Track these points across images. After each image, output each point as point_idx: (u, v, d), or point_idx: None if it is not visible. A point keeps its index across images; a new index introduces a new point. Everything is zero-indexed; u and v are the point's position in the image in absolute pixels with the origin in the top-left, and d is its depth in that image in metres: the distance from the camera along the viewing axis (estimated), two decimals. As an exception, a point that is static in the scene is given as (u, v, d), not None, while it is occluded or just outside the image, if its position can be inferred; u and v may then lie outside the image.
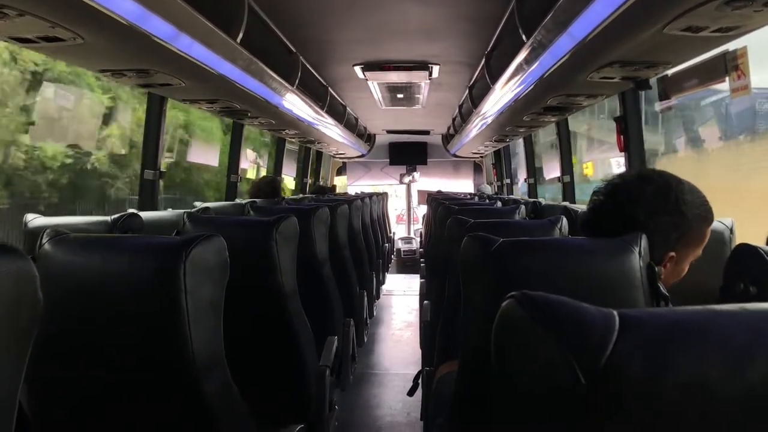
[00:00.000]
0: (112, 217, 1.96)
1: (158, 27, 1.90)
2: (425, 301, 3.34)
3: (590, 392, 0.48)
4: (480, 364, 1.29)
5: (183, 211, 2.36)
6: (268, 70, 3.00)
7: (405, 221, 10.68)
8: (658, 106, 2.72)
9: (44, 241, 1.32)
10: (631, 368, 0.47)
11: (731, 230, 1.94)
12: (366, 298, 3.86)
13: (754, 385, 0.48)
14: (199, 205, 2.98)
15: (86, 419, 1.32)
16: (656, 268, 1.23)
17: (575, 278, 1.19)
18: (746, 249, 1.30)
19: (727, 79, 2.14)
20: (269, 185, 4.07)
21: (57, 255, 1.30)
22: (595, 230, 1.36)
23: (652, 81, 2.61)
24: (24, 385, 1.31)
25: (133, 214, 2.06)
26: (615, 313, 0.51)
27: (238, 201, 3.75)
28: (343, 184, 10.16)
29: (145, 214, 2.20)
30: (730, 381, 0.48)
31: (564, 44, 2.20)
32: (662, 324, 0.50)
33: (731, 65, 2.10)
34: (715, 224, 1.96)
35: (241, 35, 2.45)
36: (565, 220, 2.01)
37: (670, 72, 2.46)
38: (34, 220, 1.86)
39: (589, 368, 0.48)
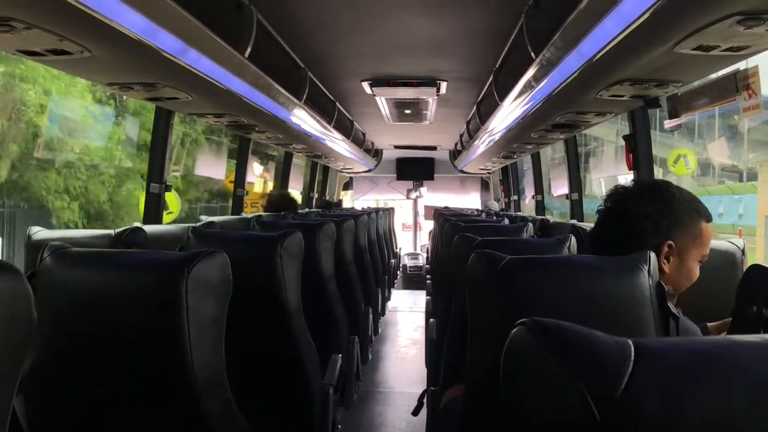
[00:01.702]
0: (116, 230, 1.94)
1: (166, 41, 1.89)
2: (431, 319, 3.30)
3: (604, 425, 0.45)
4: (488, 386, 1.26)
5: (188, 225, 2.34)
6: (276, 85, 3.00)
7: (411, 228, 10.64)
8: (667, 124, 2.71)
9: (45, 255, 1.30)
10: (648, 401, 0.45)
11: (743, 252, 1.91)
12: (371, 315, 3.83)
13: None
14: (205, 219, 2.97)
15: (84, 437, 1.30)
16: (666, 288, 1.21)
17: (583, 297, 1.17)
18: (758, 270, 1.27)
19: (737, 98, 2.12)
20: (284, 199, 4.12)
21: (58, 269, 1.28)
22: (601, 245, 1.42)
23: (662, 99, 2.60)
24: (23, 399, 1.29)
25: (136, 228, 2.05)
26: (630, 342, 0.49)
27: (244, 215, 3.74)
28: (350, 198, 10.15)
29: (149, 228, 2.19)
30: (752, 415, 0.45)
31: (573, 62, 2.18)
32: (679, 355, 0.48)
33: (742, 84, 2.08)
34: (727, 245, 1.93)
35: (249, 50, 2.45)
36: (573, 239, 1.99)
37: (680, 90, 2.44)
38: (37, 233, 1.85)
39: (604, 400, 0.46)
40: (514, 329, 0.56)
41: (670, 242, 1.34)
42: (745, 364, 0.48)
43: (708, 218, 1.40)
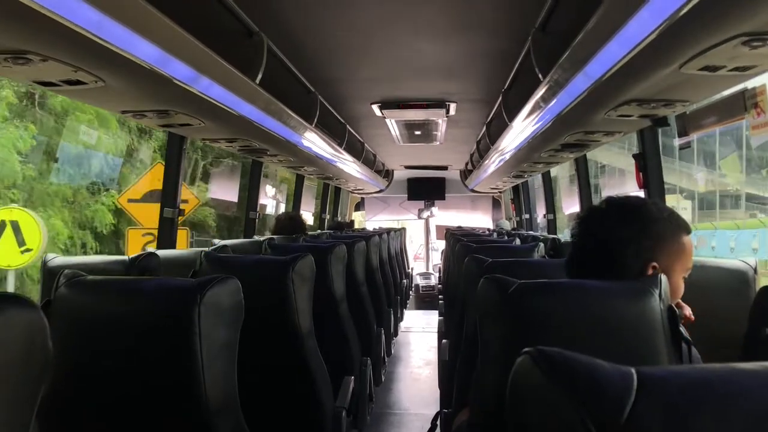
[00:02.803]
0: (130, 256, 1.97)
1: (178, 69, 1.93)
2: (443, 340, 3.29)
3: None
4: (496, 412, 1.26)
5: (200, 249, 2.37)
6: (287, 110, 3.04)
7: (423, 259, 10.62)
8: (677, 142, 2.71)
9: (61, 283, 1.32)
10: (651, 429, 0.45)
11: (755, 270, 1.90)
12: (384, 336, 3.82)
13: None
14: (217, 242, 2.99)
15: (98, 464, 1.31)
16: (677, 312, 1.21)
17: (594, 321, 1.17)
18: None
19: (746, 116, 2.12)
20: (292, 221, 4.12)
21: (73, 297, 1.30)
22: (577, 269, 1.39)
23: (671, 118, 2.60)
24: (37, 424, 1.31)
25: (150, 253, 2.07)
26: (633, 371, 0.49)
27: (256, 238, 3.76)
28: (360, 219, 10.17)
29: (162, 253, 2.21)
30: None
31: (580, 83, 2.20)
32: (682, 383, 0.48)
33: (750, 103, 2.08)
34: (738, 264, 1.92)
35: (260, 76, 2.49)
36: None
37: (688, 109, 2.44)
38: (53, 260, 1.88)
39: (607, 429, 0.46)
40: (519, 358, 0.57)
41: (654, 264, 1.30)
42: (747, 392, 0.48)
43: (688, 230, 1.37)
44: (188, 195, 5.82)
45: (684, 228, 1.36)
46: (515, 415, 0.56)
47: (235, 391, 1.35)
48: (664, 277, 1.19)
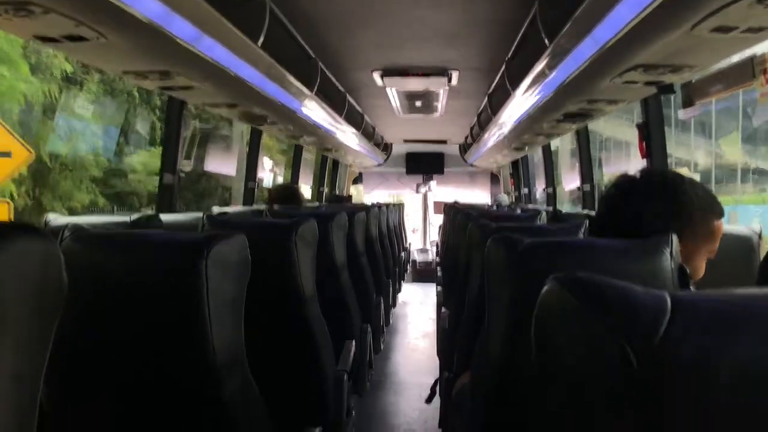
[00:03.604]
0: (132, 217, 1.95)
1: (181, 27, 1.90)
2: (443, 309, 3.31)
3: (643, 375, 0.45)
4: (508, 364, 1.27)
5: (202, 214, 2.35)
6: (288, 75, 3.01)
7: (420, 232, 10.62)
8: (681, 114, 2.69)
9: (65, 236, 1.31)
10: (685, 350, 0.45)
11: (759, 236, 1.90)
12: (383, 305, 3.84)
13: None
14: (217, 209, 2.98)
15: (105, 415, 1.31)
16: (687, 270, 1.21)
17: (604, 279, 1.17)
18: None
19: (755, 83, 2.10)
20: (287, 192, 3.99)
21: (78, 251, 1.29)
22: (601, 232, 1.35)
23: (676, 87, 2.58)
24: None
25: (152, 215, 2.06)
26: (666, 294, 0.48)
27: (256, 207, 3.75)
28: (359, 193, 10.14)
29: (164, 217, 2.20)
30: None
31: (587, 48, 2.17)
32: (716, 306, 0.48)
33: (759, 69, 2.06)
34: (743, 230, 1.92)
35: (261, 39, 2.45)
36: (587, 224, 1.99)
37: (694, 77, 2.42)
38: (55, 219, 1.86)
39: (642, 350, 0.46)
40: (547, 285, 0.56)
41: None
42: None
43: (721, 214, 1.33)
44: (12, 145, 3.69)
45: (717, 212, 1.32)
46: (542, 344, 0.55)
47: (242, 347, 1.35)
48: (674, 237, 1.18)
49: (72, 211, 10.51)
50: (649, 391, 0.45)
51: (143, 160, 11.92)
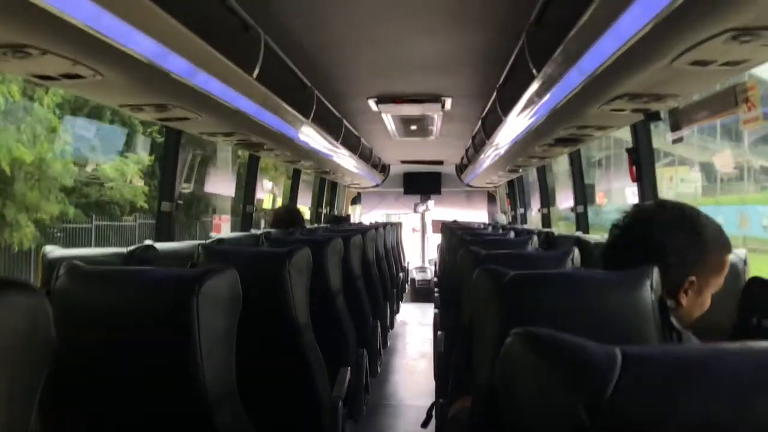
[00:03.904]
0: (128, 248, 1.99)
1: (176, 64, 1.95)
2: (439, 332, 3.32)
3: (593, 430, 0.48)
4: (490, 398, 1.29)
5: (198, 242, 2.38)
6: (284, 104, 3.05)
7: (419, 231, 10.62)
8: (670, 137, 2.73)
9: (61, 273, 1.34)
10: (635, 407, 0.47)
11: (745, 262, 1.93)
12: (380, 328, 3.85)
13: (764, 424, 0.47)
14: (214, 236, 3.01)
15: (99, 451, 1.33)
16: (668, 302, 1.23)
17: (586, 311, 1.19)
18: (759, 282, 1.29)
19: (737, 110, 2.15)
20: (290, 215, 4.14)
21: (73, 287, 1.32)
22: (616, 263, 1.35)
23: (664, 112, 2.62)
24: (37, 413, 1.33)
25: (148, 246, 2.09)
26: (617, 350, 0.51)
27: (253, 232, 3.78)
28: (358, 213, 10.19)
29: (160, 246, 2.23)
30: (736, 420, 0.47)
31: (574, 77, 2.22)
32: (666, 362, 0.50)
33: (741, 97, 2.11)
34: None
35: (257, 71, 2.50)
36: (577, 252, 2.02)
37: (681, 104, 2.47)
38: (52, 251, 1.89)
39: (592, 406, 0.48)
40: (508, 339, 0.59)
41: (693, 278, 1.28)
42: (729, 370, 0.50)
43: (729, 250, 1.34)
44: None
45: (727, 247, 1.34)
46: (506, 393, 0.58)
47: (233, 382, 1.37)
48: (655, 269, 1.20)
49: (38, 224, 10.16)
50: None
51: (118, 167, 11.22)
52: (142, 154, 11.35)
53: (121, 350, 1.29)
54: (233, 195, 5.01)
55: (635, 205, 1.42)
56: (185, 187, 3.38)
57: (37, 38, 1.55)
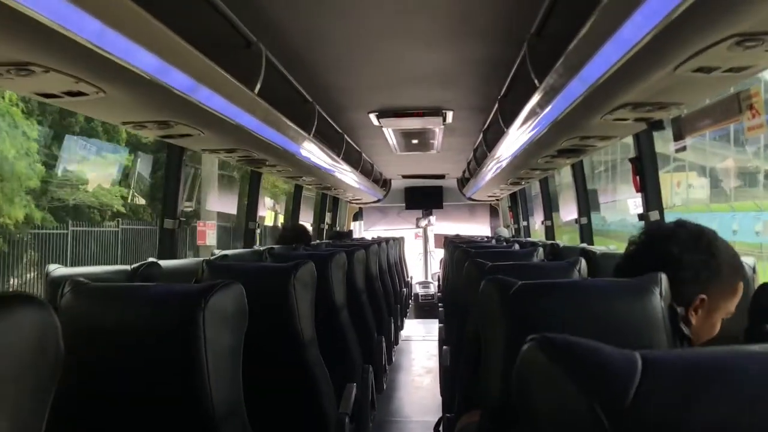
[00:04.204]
0: (132, 266, 1.98)
1: (178, 80, 1.95)
2: (444, 347, 3.30)
3: None
4: (501, 410, 1.27)
5: (201, 259, 2.38)
6: (286, 120, 3.06)
7: (421, 237, 10.59)
8: (672, 147, 2.73)
9: (66, 290, 1.33)
10: (656, 411, 0.46)
11: (753, 269, 1.92)
12: (384, 344, 3.83)
13: None
14: (218, 252, 3.00)
15: (105, 470, 1.31)
16: (678, 309, 1.22)
17: (596, 320, 1.18)
18: None
19: (741, 117, 2.15)
20: (296, 231, 4.18)
21: (78, 304, 1.31)
22: (630, 274, 1.36)
23: (667, 121, 2.62)
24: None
25: (152, 262, 2.08)
26: (637, 354, 0.50)
27: (256, 248, 3.77)
28: (360, 228, 10.17)
29: (164, 263, 2.22)
30: (758, 423, 0.47)
31: (576, 88, 2.22)
32: (686, 366, 0.49)
33: (745, 104, 2.10)
34: (737, 264, 1.93)
35: (258, 86, 2.50)
36: (584, 262, 2.00)
37: (683, 112, 2.47)
38: (56, 270, 1.88)
39: (613, 411, 0.47)
40: (525, 346, 0.58)
41: (704, 296, 1.28)
42: (749, 373, 0.49)
43: (743, 277, 1.36)
44: None
45: (741, 274, 1.35)
46: (523, 402, 0.57)
47: (240, 397, 1.36)
48: (663, 276, 1.20)
49: (2, 228, 9.32)
50: None
51: (91, 169, 10.14)
52: (122, 154, 10.53)
53: (127, 366, 1.28)
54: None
55: (654, 222, 1.43)
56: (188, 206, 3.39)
57: (40, 56, 1.55)
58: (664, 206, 2.92)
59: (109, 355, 1.28)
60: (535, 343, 0.56)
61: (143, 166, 10.94)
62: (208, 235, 9.35)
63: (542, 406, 0.54)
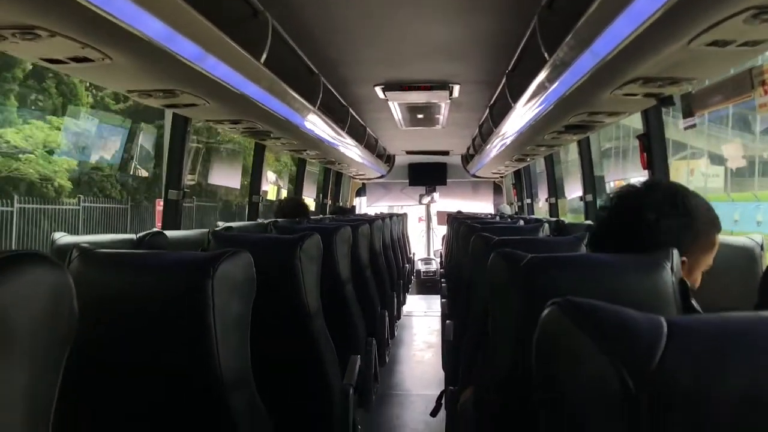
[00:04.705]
0: (138, 235, 1.97)
1: (185, 47, 1.92)
2: (447, 321, 3.31)
3: (640, 399, 0.47)
4: (512, 380, 1.27)
5: (207, 230, 2.37)
6: (291, 91, 3.03)
7: (423, 221, 10.61)
8: (682, 124, 2.70)
9: (73, 257, 1.33)
10: (681, 375, 0.46)
11: (761, 247, 1.91)
12: (387, 318, 3.84)
13: None
14: (222, 224, 3.00)
15: (113, 435, 1.32)
16: (688, 284, 1.21)
17: (606, 295, 1.15)
18: None
19: (753, 94, 2.12)
20: (295, 206, 4.14)
21: (86, 271, 1.31)
22: (604, 245, 1.36)
23: (676, 98, 2.59)
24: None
25: (157, 232, 2.08)
26: (663, 319, 0.50)
27: (260, 221, 3.77)
28: (363, 204, 10.16)
29: (169, 233, 2.22)
30: None
31: (586, 62, 2.19)
32: (711, 331, 0.49)
33: (758, 80, 2.08)
34: (745, 241, 1.92)
35: (264, 56, 2.48)
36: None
37: (694, 88, 2.44)
38: (61, 238, 1.88)
39: (639, 374, 0.47)
40: (547, 309, 0.57)
41: (684, 258, 1.27)
42: None
43: (719, 228, 1.35)
44: None
45: (717, 226, 1.35)
46: (544, 366, 0.57)
47: (248, 365, 1.36)
48: (675, 251, 1.19)
49: None
50: (646, 415, 0.47)
51: (31, 134, 8.82)
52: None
53: (135, 335, 1.28)
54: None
55: (626, 185, 1.40)
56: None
57: (45, 19, 1.53)
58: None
59: (116, 323, 1.28)
60: (558, 307, 0.56)
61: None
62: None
63: (564, 370, 0.54)
